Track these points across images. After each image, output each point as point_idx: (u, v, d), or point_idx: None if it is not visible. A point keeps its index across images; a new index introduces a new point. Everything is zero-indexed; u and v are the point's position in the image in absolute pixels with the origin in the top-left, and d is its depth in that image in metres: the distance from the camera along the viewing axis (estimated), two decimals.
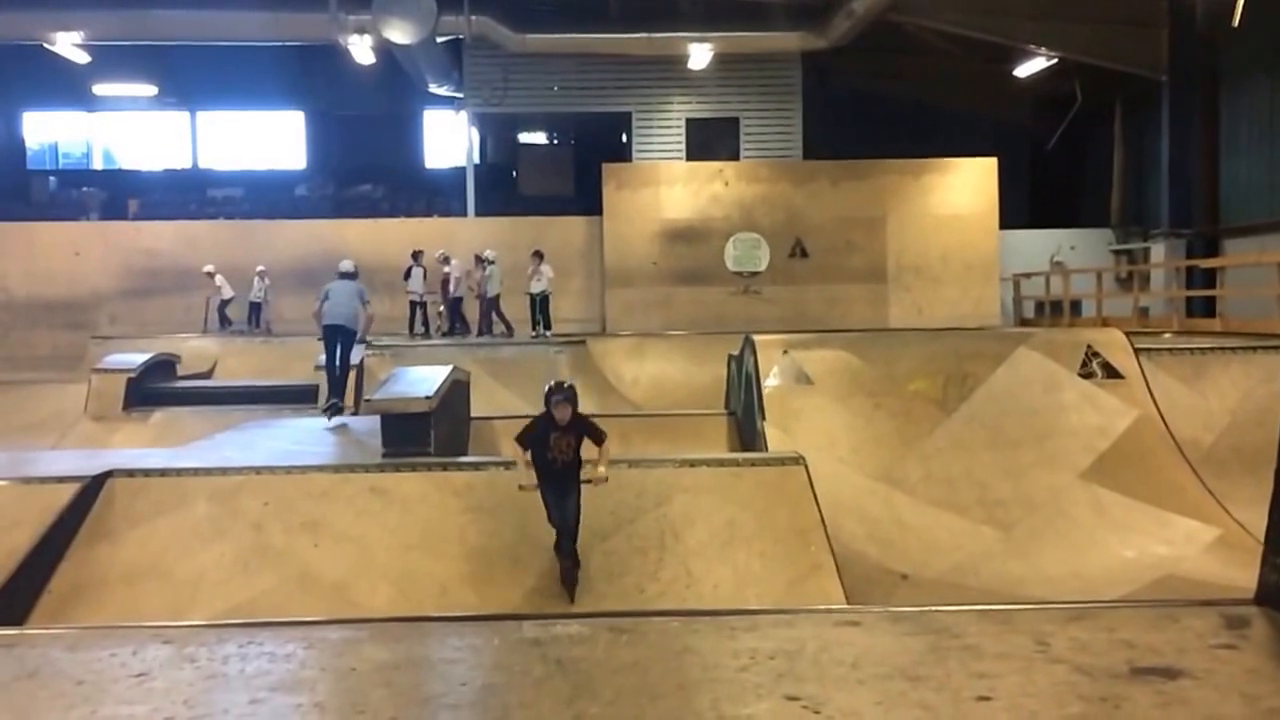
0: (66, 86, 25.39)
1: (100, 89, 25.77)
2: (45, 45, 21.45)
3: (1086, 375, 10.28)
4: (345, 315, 11.27)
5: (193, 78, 26.04)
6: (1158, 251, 21.16)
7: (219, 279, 20.46)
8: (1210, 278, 18.13)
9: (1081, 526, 9.11)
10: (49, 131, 29.58)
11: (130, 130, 29.13)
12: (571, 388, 7.01)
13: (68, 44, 21.36)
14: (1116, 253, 22.90)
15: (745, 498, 8.17)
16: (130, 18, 21.28)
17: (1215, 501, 9.09)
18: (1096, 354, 10.40)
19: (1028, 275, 22.28)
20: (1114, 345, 10.66)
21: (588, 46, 22.16)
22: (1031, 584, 8.34)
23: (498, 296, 18.59)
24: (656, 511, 7.87)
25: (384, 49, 20.79)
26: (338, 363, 11.43)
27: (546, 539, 7.24)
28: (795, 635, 3.53)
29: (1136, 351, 10.57)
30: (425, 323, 19.33)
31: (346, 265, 11.95)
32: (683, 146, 23.68)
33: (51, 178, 27.30)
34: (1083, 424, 10.08)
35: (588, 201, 23.27)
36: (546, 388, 7.03)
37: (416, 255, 19.23)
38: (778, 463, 8.60)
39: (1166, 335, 15.58)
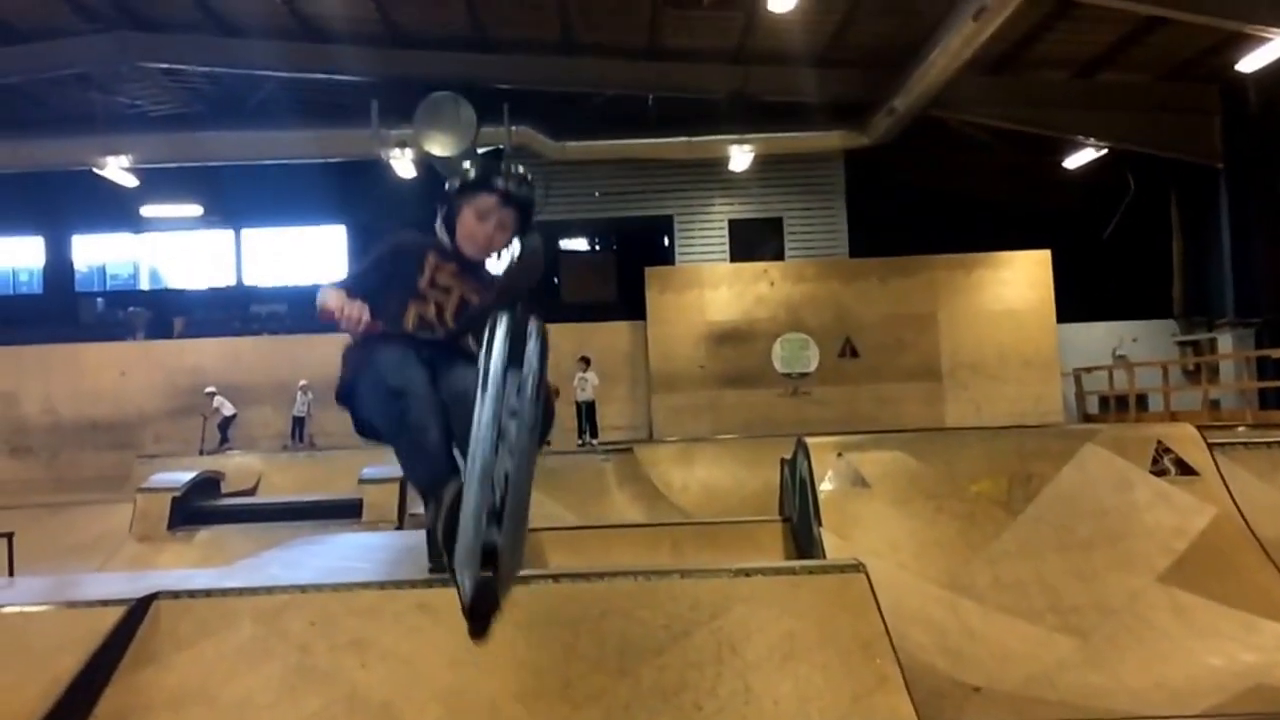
0: (115, 209, 25.75)
1: (147, 210, 26.10)
2: (95, 170, 21.79)
3: (1159, 473, 9.71)
4: None
5: (237, 196, 26.36)
6: (1225, 342, 20.52)
7: (218, 399, 20.48)
8: None
9: (1163, 633, 8.51)
10: (97, 253, 29.98)
11: (176, 249, 29.45)
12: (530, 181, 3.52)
13: (116, 168, 21.69)
14: (1181, 344, 22.23)
15: (805, 608, 7.52)
16: (177, 141, 21.70)
17: None
18: (1168, 450, 9.87)
19: (1089, 370, 21.66)
20: (1186, 440, 10.09)
21: (627, 152, 22.18)
22: (1114, 696, 7.68)
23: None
24: (712, 624, 7.30)
25: (425, 162, 20.92)
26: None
27: (596, 653, 6.42)
28: None
29: (1210, 446, 9.99)
30: None
31: None
32: (726, 248, 23.49)
33: (99, 299, 27.55)
34: (1157, 524, 9.47)
35: (631, 306, 23.03)
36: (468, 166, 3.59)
37: None
38: (837, 570, 7.97)
39: (1240, 429, 14.96)
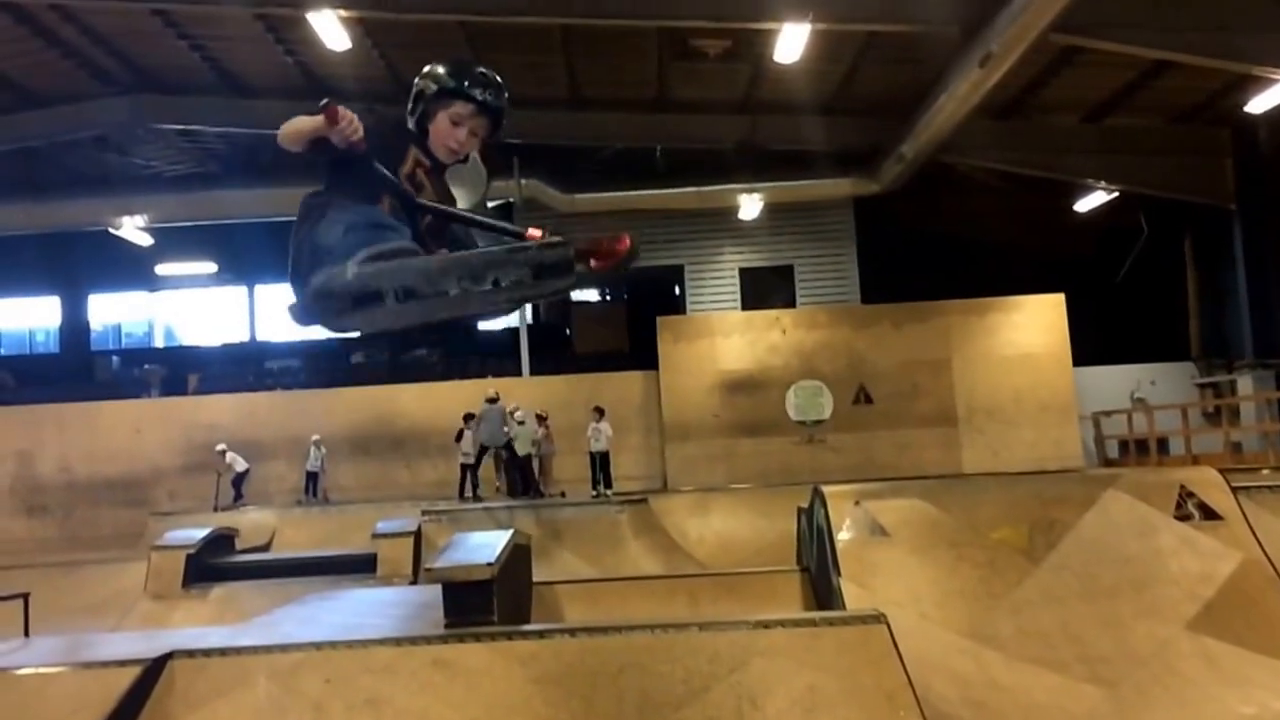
0: (130, 268, 26.00)
1: (162, 269, 26.35)
2: (111, 230, 22.00)
3: (1182, 518, 9.56)
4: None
5: (250, 253, 26.50)
6: (1245, 384, 20.34)
7: (230, 455, 20.39)
8: None
9: (1193, 682, 8.30)
10: (112, 312, 30.22)
11: (190, 307, 29.67)
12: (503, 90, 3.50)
13: (132, 228, 21.91)
14: (1201, 386, 22.04)
15: (826, 660, 7.39)
16: (191, 200, 21.96)
17: None
18: (1191, 494, 9.72)
19: (1108, 413, 21.44)
20: (1209, 484, 9.93)
21: (637, 203, 22.25)
22: None
23: (528, 456, 18.50)
24: (731, 678, 7.18)
25: None
26: None
27: (615, 708, 6.30)
28: None
29: (1234, 490, 9.86)
30: (475, 486, 18.97)
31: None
32: (737, 296, 23.49)
33: (114, 357, 27.76)
34: (1183, 570, 9.30)
35: (643, 356, 22.98)
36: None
37: (468, 418, 19.08)
38: (858, 621, 7.85)
39: (1265, 471, 14.76)
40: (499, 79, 3.49)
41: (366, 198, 3.27)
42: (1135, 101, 19.48)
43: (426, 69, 3.50)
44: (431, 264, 3.00)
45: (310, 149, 3.20)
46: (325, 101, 3.09)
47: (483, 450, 18.63)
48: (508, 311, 3.43)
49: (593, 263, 3.04)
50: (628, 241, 3.05)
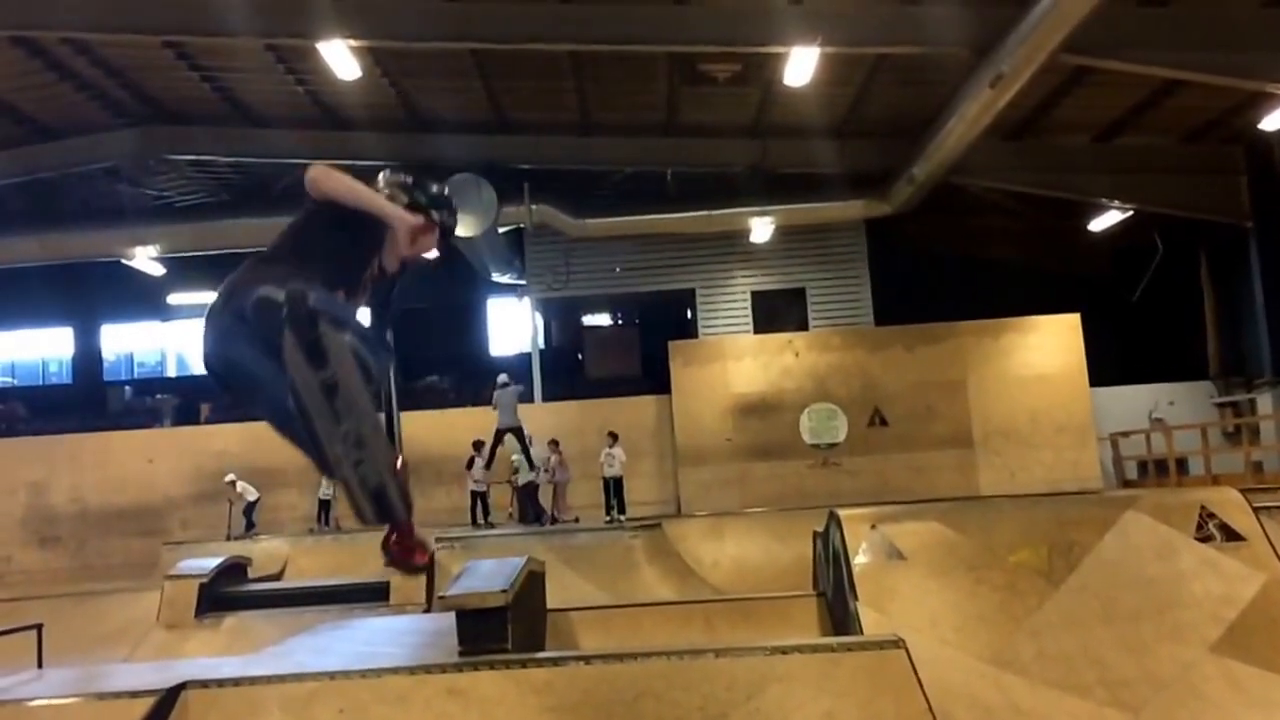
0: (142, 298, 26.04)
1: (174, 299, 26.39)
2: (124, 261, 22.06)
3: (1204, 539, 9.41)
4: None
5: None
6: (1265, 402, 20.16)
7: (240, 485, 20.40)
8: None
9: (1217, 705, 8.15)
10: (125, 342, 30.28)
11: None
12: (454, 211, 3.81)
13: (144, 258, 21.96)
14: (1220, 405, 21.83)
15: (844, 686, 7.26)
16: (203, 229, 21.99)
17: None
18: (1212, 515, 9.57)
19: (1126, 434, 21.26)
20: (1230, 505, 9.78)
21: (647, 227, 22.23)
22: None
23: (533, 485, 18.62)
24: (748, 705, 7.06)
25: (449, 243, 21.04)
26: None
27: None
28: None
29: (1256, 510, 9.71)
30: (486, 512, 18.88)
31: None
32: (749, 319, 23.41)
33: (127, 387, 27.76)
34: (1205, 592, 9.15)
35: (655, 380, 22.92)
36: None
37: (478, 445, 19.04)
38: (876, 646, 7.73)
39: None
40: (453, 200, 3.74)
41: (340, 272, 3.40)
42: (1147, 120, 19.39)
43: (391, 177, 3.67)
44: (362, 410, 3.18)
45: (359, 219, 3.39)
46: (424, 217, 3.41)
47: (500, 434, 18.46)
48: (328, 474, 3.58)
49: (391, 551, 3.66)
50: (427, 558, 3.65)
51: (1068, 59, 15.33)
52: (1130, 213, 21.11)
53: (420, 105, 19.74)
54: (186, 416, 24.73)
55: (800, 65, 15.62)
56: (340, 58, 15.47)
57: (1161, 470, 19.83)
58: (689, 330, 24.04)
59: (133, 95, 19.23)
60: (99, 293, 26.43)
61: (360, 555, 15.64)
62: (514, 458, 18.85)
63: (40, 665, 8.08)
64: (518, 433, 18.53)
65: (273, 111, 19.97)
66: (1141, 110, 18.96)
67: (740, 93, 18.93)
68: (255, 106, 19.89)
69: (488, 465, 19.06)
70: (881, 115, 19.46)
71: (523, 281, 23.85)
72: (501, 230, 21.44)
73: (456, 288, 26.20)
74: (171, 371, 30.03)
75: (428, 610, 11.55)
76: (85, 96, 18.94)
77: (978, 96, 15.71)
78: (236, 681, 7.21)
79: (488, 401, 19.77)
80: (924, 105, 18.00)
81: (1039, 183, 20.74)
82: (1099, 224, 21.91)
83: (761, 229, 21.78)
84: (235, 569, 15.11)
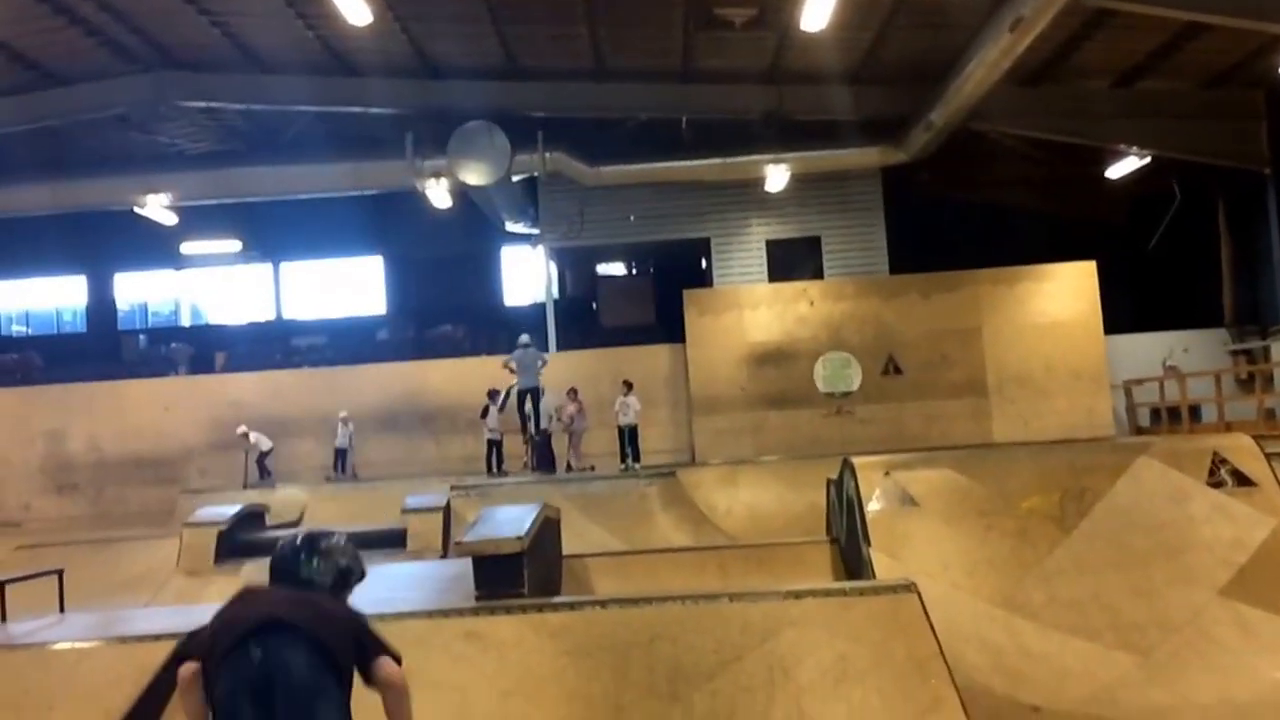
0: (155, 247, 26.08)
1: (187, 247, 26.43)
2: (136, 209, 22.05)
3: (1215, 484, 9.44)
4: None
5: (275, 231, 26.59)
6: (1279, 350, 19.99)
7: (253, 436, 20.53)
8: None
9: (1227, 648, 8.22)
10: (139, 291, 30.37)
11: (216, 285, 29.78)
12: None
13: (156, 206, 21.92)
14: (1234, 353, 21.72)
15: (857, 629, 7.36)
16: (215, 178, 21.92)
17: None
18: (1224, 461, 9.59)
19: (1140, 381, 21.19)
20: (1242, 451, 9.80)
21: (662, 175, 22.06)
22: (1179, 713, 7.43)
23: (547, 433, 18.73)
24: (763, 648, 7.18)
25: (461, 191, 20.95)
26: None
27: (647, 678, 6.45)
28: None
29: (1268, 456, 9.69)
30: (500, 461, 18.98)
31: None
32: (764, 268, 23.30)
33: (141, 336, 27.88)
34: (1216, 537, 9.21)
35: (670, 329, 22.90)
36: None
37: (493, 394, 19.08)
38: (888, 591, 7.83)
39: None
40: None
41: None
42: (1167, 65, 19.12)
43: (353, 556, 3.93)
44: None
45: None
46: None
47: (522, 396, 18.50)
48: None
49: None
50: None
51: (1089, 1, 15.07)
52: (1148, 159, 20.88)
53: (432, 51, 19.55)
54: (201, 366, 24.87)
55: (818, 8, 15.34)
56: (351, 2, 15.29)
57: (1175, 417, 19.80)
58: (704, 279, 23.96)
59: (142, 41, 19.09)
60: (112, 241, 26.47)
61: (378, 502, 15.81)
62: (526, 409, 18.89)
63: (62, 610, 8.20)
64: (534, 394, 18.42)
65: (284, 58, 19.81)
66: (1162, 54, 18.68)
67: (757, 37, 18.69)
68: (266, 52, 19.73)
69: (501, 410, 19.11)
70: (899, 60, 19.20)
71: (536, 230, 23.77)
72: (515, 179, 21.32)
73: (470, 237, 26.15)
74: (186, 320, 30.15)
75: (444, 556, 11.67)
76: (95, 42, 18.79)
77: (997, 40, 15.48)
78: None
79: (504, 350, 19.83)
80: (942, 50, 17.73)
81: (1057, 129, 20.51)
82: (1116, 171, 21.68)
83: (777, 177, 21.60)
84: (253, 517, 15.31)
